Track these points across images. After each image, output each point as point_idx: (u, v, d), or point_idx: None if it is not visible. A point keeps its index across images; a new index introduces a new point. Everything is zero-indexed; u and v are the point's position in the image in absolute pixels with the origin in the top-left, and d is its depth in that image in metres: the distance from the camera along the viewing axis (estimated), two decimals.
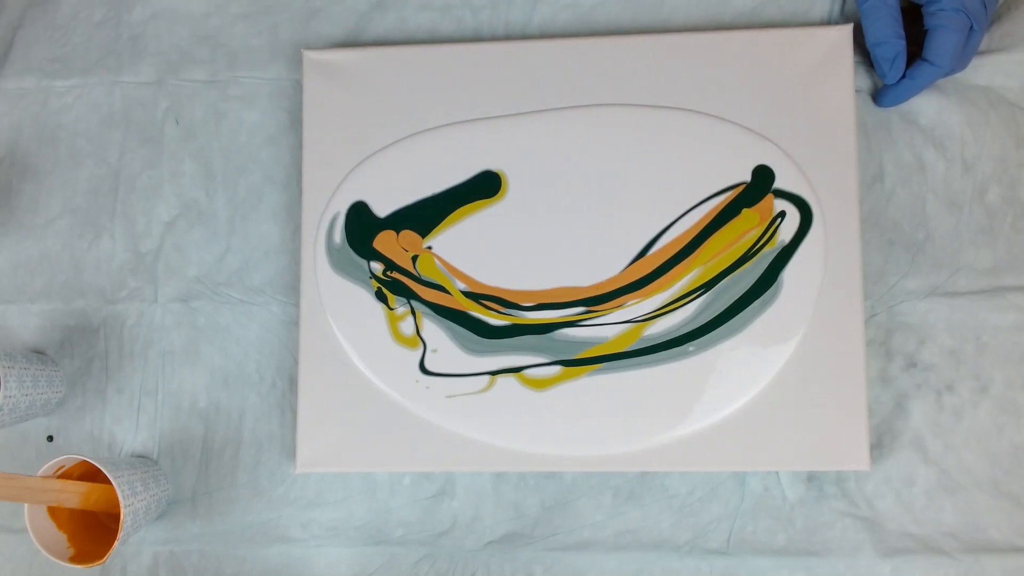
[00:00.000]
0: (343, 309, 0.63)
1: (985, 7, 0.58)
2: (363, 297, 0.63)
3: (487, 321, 0.62)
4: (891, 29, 0.58)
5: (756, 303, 0.60)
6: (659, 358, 0.61)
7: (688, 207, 0.62)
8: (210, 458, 0.64)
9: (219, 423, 0.65)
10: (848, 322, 0.60)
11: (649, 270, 0.61)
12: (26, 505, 0.58)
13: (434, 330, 0.62)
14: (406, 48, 0.64)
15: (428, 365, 0.62)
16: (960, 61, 0.59)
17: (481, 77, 0.64)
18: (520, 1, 0.65)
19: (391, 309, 0.63)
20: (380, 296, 0.63)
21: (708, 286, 0.61)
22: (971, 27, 0.58)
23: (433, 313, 0.62)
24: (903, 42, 0.58)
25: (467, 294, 0.62)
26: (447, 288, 0.62)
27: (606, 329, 0.61)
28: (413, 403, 0.62)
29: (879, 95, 0.62)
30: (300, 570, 0.63)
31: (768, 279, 0.61)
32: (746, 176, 0.61)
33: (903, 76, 0.60)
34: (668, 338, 0.61)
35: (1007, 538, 0.60)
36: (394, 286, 0.63)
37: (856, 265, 0.60)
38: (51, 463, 0.58)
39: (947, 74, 0.60)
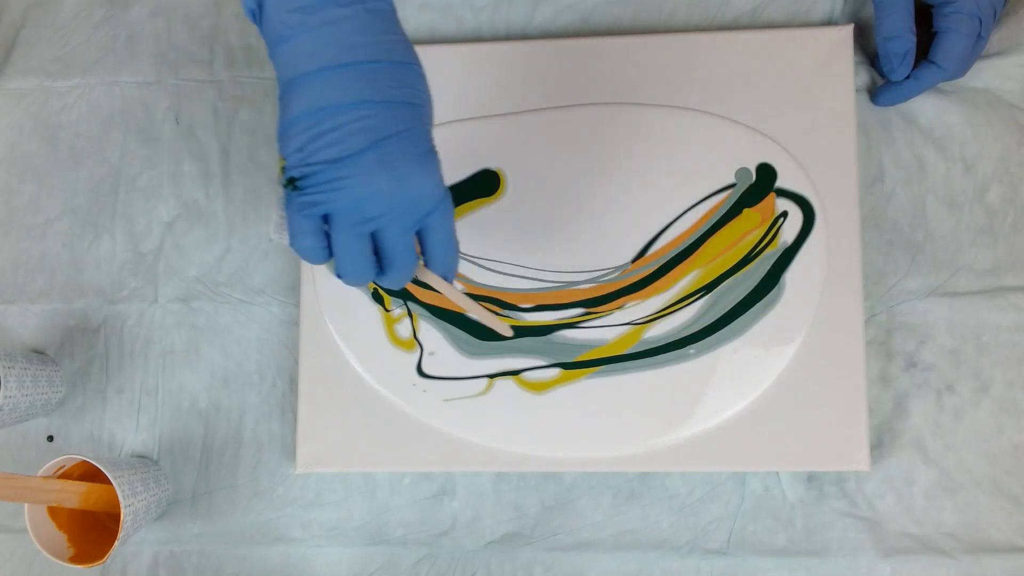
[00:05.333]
0: (340, 310, 0.63)
1: (994, 14, 0.58)
2: (360, 298, 0.63)
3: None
4: (905, 24, 0.58)
5: (758, 305, 0.60)
6: (659, 361, 0.61)
7: (688, 205, 0.62)
8: (210, 458, 0.64)
9: (219, 423, 0.65)
10: (848, 323, 0.60)
11: (649, 271, 0.61)
12: (26, 505, 0.58)
13: (431, 332, 0.62)
14: None
15: (425, 368, 0.62)
16: (963, 67, 0.59)
17: (481, 77, 0.64)
18: (521, 1, 0.65)
19: (387, 311, 0.63)
20: (376, 297, 0.63)
21: (709, 288, 0.61)
22: (979, 33, 0.58)
23: (430, 315, 0.62)
24: (915, 39, 0.58)
25: (465, 295, 0.62)
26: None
27: (606, 331, 0.61)
28: (411, 406, 0.62)
29: (878, 94, 0.62)
30: (300, 570, 0.63)
31: (770, 281, 0.60)
32: (748, 175, 0.61)
33: (907, 76, 0.60)
34: (668, 341, 0.61)
35: (1007, 538, 0.60)
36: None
37: (856, 266, 0.60)
38: (51, 463, 0.58)
39: (949, 79, 0.60)
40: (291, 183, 0.45)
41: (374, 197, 0.44)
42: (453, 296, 0.52)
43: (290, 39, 0.44)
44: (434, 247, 0.48)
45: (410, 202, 0.45)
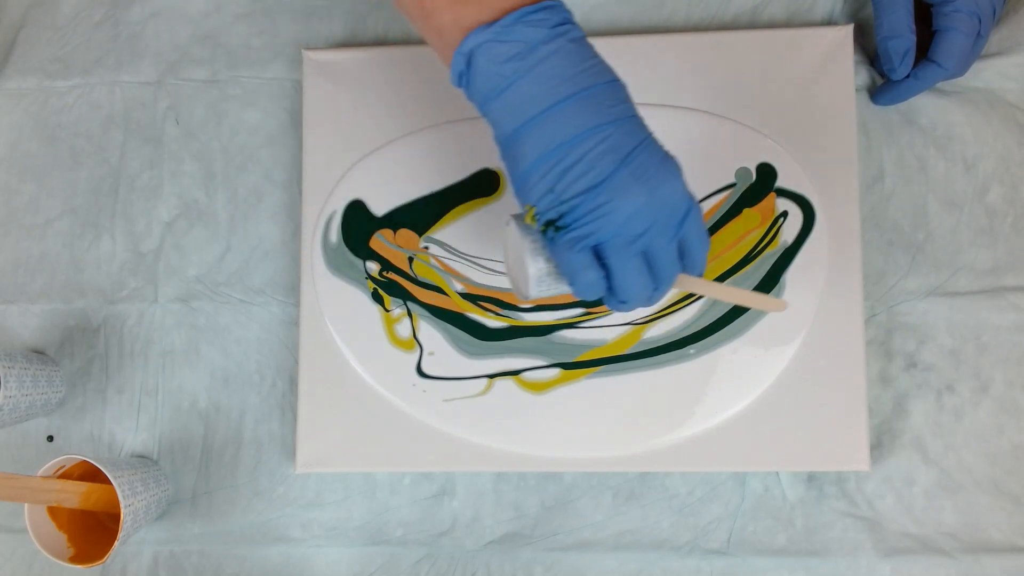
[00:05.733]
0: (339, 310, 0.63)
1: (994, 13, 0.58)
2: (359, 298, 0.63)
3: (485, 323, 0.62)
4: (905, 23, 0.58)
5: None
6: (659, 361, 0.61)
7: None
8: (210, 458, 0.64)
9: (219, 423, 0.65)
10: (848, 323, 0.60)
11: None
12: (26, 505, 0.58)
13: (431, 332, 0.62)
14: (406, 48, 0.64)
15: (425, 368, 0.62)
16: (963, 66, 0.59)
17: None
18: None
19: (387, 311, 0.63)
20: (376, 297, 0.63)
21: None
22: (979, 32, 0.58)
23: (430, 315, 0.62)
24: (915, 38, 0.58)
25: (464, 295, 0.62)
26: (444, 289, 0.62)
27: (605, 331, 0.61)
28: (411, 407, 0.62)
29: (878, 93, 0.62)
30: (300, 570, 0.63)
31: (770, 281, 0.60)
32: (748, 175, 0.61)
33: (907, 75, 0.60)
34: (668, 341, 0.61)
35: (1007, 538, 0.60)
36: (390, 287, 0.63)
37: (856, 265, 0.60)
38: (51, 463, 0.58)
39: (949, 78, 0.60)
40: (550, 225, 0.46)
41: (637, 214, 0.45)
42: (716, 292, 0.52)
43: (507, 89, 0.45)
44: (694, 248, 0.48)
45: (669, 209, 0.45)
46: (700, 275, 0.49)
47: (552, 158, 0.45)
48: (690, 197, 0.46)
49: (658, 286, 0.47)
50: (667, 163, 0.46)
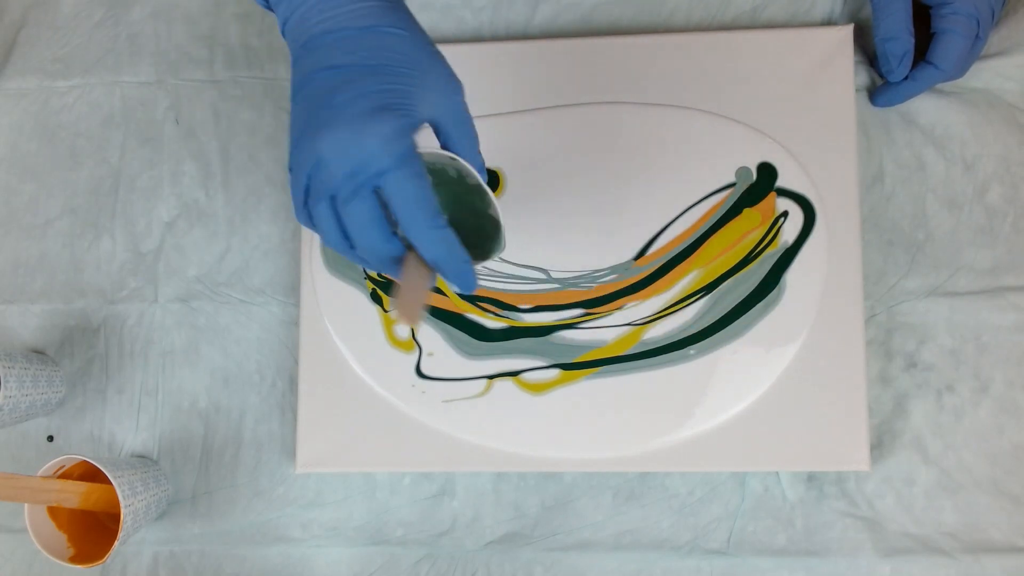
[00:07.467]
0: (339, 311, 0.63)
1: (992, 15, 0.58)
2: (358, 299, 0.63)
3: (484, 324, 0.62)
4: (904, 25, 0.58)
5: (758, 306, 0.60)
6: (659, 361, 0.60)
7: (688, 205, 0.61)
8: (210, 458, 0.65)
9: (219, 423, 0.65)
10: (848, 323, 0.60)
11: (649, 271, 0.61)
12: (26, 505, 0.58)
13: (430, 333, 0.62)
14: None
15: (424, 369, 0.62)
16: (961, 68, 0.59)
17: (481, 77, 0.63)
18: (521, 1, 0.65)
19: (386, 311, 0.63)
20: (375, 298, 0.63)
21: (709, 288, 0.61)
22: (977, 35, 0.58)
23: (429, 316, 0.62)
24: (913, 40, 0.58)
25: (463, 296, 0.62)
26: (443, 290, 0.62)
27: (605, 332, 0.61)
28: (410, 407, 0.62)
29: (876, 94, 0.62)
30: (300, 570, 0.63)
31: (771, 281, 0.60)
32: (748, 174, 0.61)
33: (906, 76, 0.60)
34: (668, 341, 0.60)
35: (1007, 538, 0.60)
36: (389, 287, 0.63)
37: (857, 266, 0.60)
38: (51, 463, 0.58)
39: (947, 80, 0.60)
40: None
41: (320, 164, 0.43)
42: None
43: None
44: (403, 214, 0.43)
45: (354, 161, 0.43)
46: (434, 261, 0.44)
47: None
48: (397, 154, 0.42)
49: (353, 245, 0.44)
50: (371, 116, 0.42)
